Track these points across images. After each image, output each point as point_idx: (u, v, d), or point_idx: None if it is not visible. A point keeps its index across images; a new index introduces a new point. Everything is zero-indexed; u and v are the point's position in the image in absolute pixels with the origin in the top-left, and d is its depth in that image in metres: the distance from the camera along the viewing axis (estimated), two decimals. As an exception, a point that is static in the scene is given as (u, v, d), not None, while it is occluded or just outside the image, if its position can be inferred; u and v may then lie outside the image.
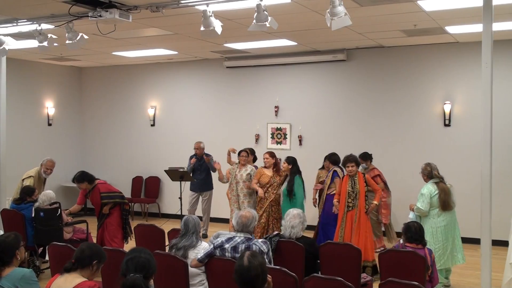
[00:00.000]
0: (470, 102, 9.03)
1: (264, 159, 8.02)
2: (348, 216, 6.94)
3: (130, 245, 7.12)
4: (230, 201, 8.33)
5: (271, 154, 8.02)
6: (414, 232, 4.98)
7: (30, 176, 7.92)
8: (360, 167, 7.71)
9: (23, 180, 7.89)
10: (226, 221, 9.46)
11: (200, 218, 8.78)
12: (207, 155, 9.43)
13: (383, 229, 8.53)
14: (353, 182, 6.98)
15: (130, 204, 11.43)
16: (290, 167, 7.79)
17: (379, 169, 8.40)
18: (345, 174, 7.31)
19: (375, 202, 7.08)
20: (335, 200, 7.21)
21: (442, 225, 6.38)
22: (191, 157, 9.56)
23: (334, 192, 7.44)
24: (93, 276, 3.60)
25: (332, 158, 7.92)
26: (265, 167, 8.01)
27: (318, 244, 5.37)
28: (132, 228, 7.18)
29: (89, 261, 3.56)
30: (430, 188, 6.43)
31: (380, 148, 9.40)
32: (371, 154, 8.46)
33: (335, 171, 7.68)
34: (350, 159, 7.06)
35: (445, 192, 6.40)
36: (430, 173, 6.56)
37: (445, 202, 6.37)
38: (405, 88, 9.53)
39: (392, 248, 5.21)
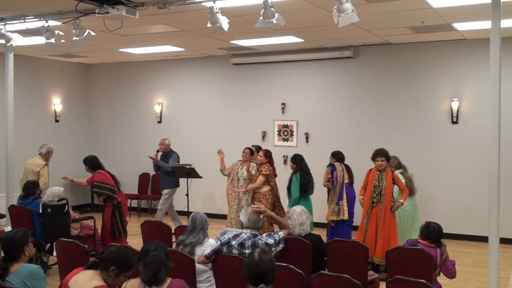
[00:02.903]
0: (478, 99, 8.99)
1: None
2: (372, 212, 6.80)
3: (137, 242, 7.15)
4: (230, 197, 8.30)
5: (265, 153, 8.11)
6: (431, 231, 4.94)
7: (46, 164, 8.01)
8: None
9: (38, 172, 7.92)
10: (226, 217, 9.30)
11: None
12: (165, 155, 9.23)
13: None
14: (380, 177, 6.82)
15: (129, 200, 11.54)
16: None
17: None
18: (343, 169, 7.55)
19: (401, 200, 6.88)
20: (360, 197, 7.06)
21: (407, 209, 7.42)
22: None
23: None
24: (113, 282, 3.46)
25: (337, 156, 7.91)
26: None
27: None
28: (127, 227, 7.18)
29: (108, 265, 3.47)
30: (400, 177, 7.23)
31: (386, 146, 9.22)
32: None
33: (333, 165, 7.74)
34: (380, 153, 6.88)
35: (410, 180, 7.48)
36: (398, 165, 7.54)
37: (411, 189, 7.38)
38: (412, 86, 9.49)
39: (403, 245, 5.21)
